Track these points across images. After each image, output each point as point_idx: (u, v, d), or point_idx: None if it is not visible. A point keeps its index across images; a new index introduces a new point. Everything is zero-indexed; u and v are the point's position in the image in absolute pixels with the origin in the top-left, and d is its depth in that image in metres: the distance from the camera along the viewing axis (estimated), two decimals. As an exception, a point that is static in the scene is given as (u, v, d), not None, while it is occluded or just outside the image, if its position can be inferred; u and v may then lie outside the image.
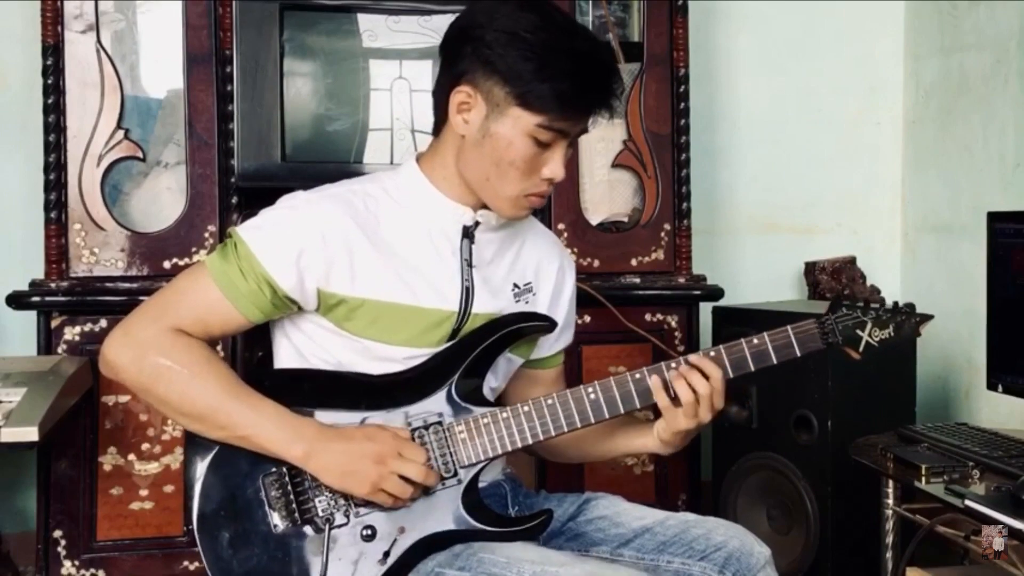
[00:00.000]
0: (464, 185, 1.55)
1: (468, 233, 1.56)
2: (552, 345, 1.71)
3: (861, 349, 1.60)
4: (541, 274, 1.67)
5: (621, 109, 2.73)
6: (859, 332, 1.60)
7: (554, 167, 1.50)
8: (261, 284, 1.47)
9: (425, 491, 1.48)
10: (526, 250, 1.65)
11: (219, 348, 2.32)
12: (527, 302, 1.63)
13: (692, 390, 1.52)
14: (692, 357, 1.55)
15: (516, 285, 1.62)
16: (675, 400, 1.53)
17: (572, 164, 2.67)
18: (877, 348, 1.61)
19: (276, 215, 1.52)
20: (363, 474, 1.42)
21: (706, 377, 1.52)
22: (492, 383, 1.61)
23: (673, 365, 1.55)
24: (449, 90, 1.51)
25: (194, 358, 1.45)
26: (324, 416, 1.48)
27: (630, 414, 1.57)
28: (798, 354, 1.57)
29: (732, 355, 1.56)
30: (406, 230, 1.54)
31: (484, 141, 1.49)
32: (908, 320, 1.62)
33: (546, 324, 1.62)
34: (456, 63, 1.50)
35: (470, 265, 1.56)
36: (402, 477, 1.44)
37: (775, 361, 1.57)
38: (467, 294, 1.55)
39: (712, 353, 1.56)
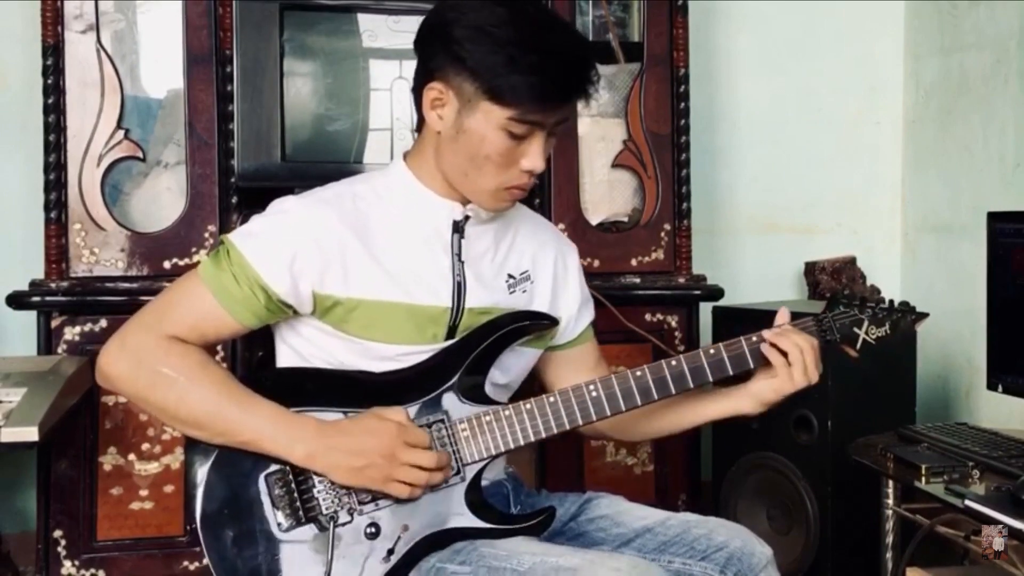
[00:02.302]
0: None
1: (458, 228, 1.57)
2: (575, 327, 1.71)
3: (859, 347, 1.62)
4: (538, 263, 1.67)
5: (621, 109, 2.73)
6: (856, 330, 1.61)
7: (532, 159, 1.49)
8: (255, 289, 1.47)
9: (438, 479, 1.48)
10: (520, 240, 1.66)
11: (219, 349, 2.33)
12: (524, 291, 1.63)
13: (798, 348, 1.54)
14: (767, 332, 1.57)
15: (511, 275, 1.63)
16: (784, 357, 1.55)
17: (572, 164, 2.67)
18: (874, 346, 1.62)
19: (268, 220, 1.52)
20: (375, 469, 1.43)
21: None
22: (499, 380, 1.61)
23: (673, 363, 1.56)
24: (422, 87, 1.52)
25: (190, 364, 1.45)
26: (327, 416, 1.48)
27: (646, 403, 1.57)
28: None
29: (731, 352, 1.57)
30: (396, 228, 1.55)
31: (458, 137, 1.49)
32: (904, 318, 1.63)
33: (546, 323, 1.63)
34: (428, 60, 1.51)
35: (461, 260, 1.56)
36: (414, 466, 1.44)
37: None
38: (459, 289, 1.55)
39: (712, 351, 1.57)
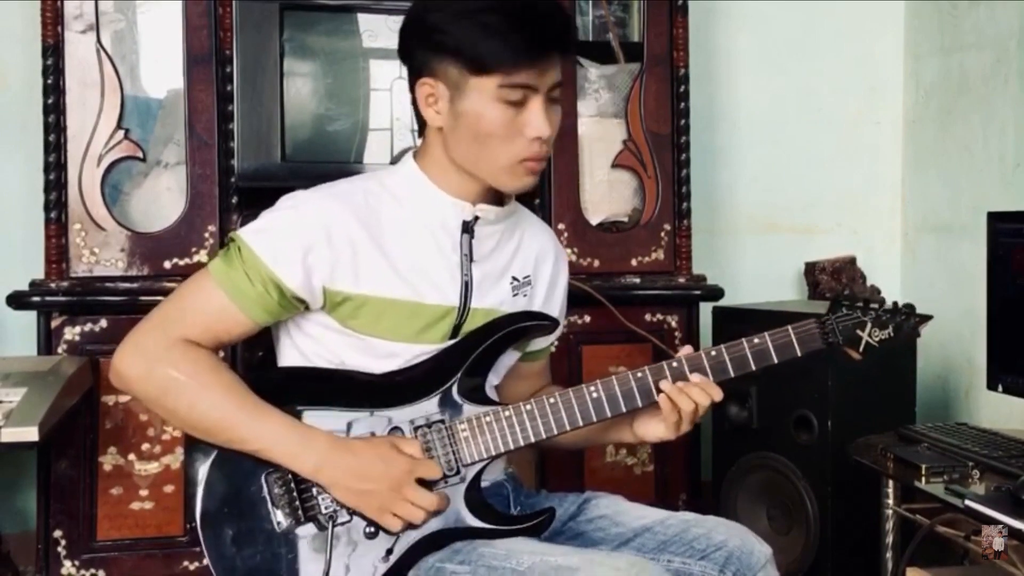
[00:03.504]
0: (460, 178, 1.55)
1: (468, 228, 1.57)
2: (546, 338, 1.72)
3: (861, 349, 1.60)
4: (539, 267, 1.67)
5: (621, 109, 2.73)
6: (859, 332, 1.60)
7: (536, 124, 1.49)
8: (268, 286, 1.47)
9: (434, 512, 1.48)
10: (525, 243, 1.66)
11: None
12: (525, 295, 1.64)
13: (693, 405, 1.54)
14: (696, 377, 1.55)
15: (515, 278, 1.63)
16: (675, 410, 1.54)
17: (572, 164, 2.67)
18: (877, 348, 1.61)
19: (279, 215, 1.51)
20: (375, 496, 1.44)
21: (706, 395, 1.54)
22: (494, 381, 1.61)
23: (674, 364, 1.56)
24: (414, 88, 1.53)
25: (202, 370, 1.45)
26: (327, 415, 1.48)
27: (647, 405, 1.56)
28: (799, 354, 1.57)
29: (733, 354, 1.56)
30: (407, 226, 1.54)
31: (458, 123, 1.49)
32: (907, 320, 1.63)
33: (548, 324, 1.63)
34: (412, 60, 1.53)
35: (471, 260, 1.56)
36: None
37: (776, 360, 1.57)
38: (466, 289, 1.55)
39: (713, 352, 1.56)
